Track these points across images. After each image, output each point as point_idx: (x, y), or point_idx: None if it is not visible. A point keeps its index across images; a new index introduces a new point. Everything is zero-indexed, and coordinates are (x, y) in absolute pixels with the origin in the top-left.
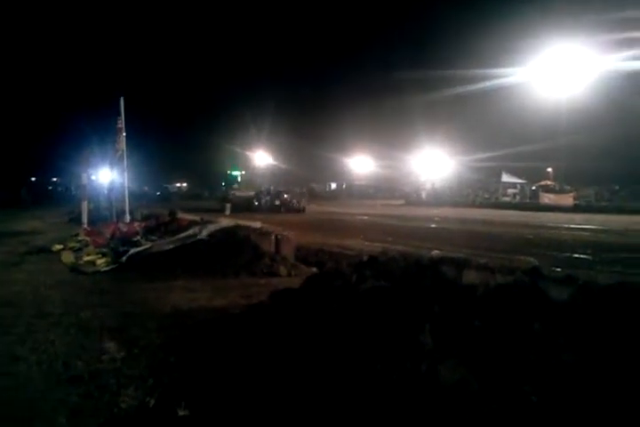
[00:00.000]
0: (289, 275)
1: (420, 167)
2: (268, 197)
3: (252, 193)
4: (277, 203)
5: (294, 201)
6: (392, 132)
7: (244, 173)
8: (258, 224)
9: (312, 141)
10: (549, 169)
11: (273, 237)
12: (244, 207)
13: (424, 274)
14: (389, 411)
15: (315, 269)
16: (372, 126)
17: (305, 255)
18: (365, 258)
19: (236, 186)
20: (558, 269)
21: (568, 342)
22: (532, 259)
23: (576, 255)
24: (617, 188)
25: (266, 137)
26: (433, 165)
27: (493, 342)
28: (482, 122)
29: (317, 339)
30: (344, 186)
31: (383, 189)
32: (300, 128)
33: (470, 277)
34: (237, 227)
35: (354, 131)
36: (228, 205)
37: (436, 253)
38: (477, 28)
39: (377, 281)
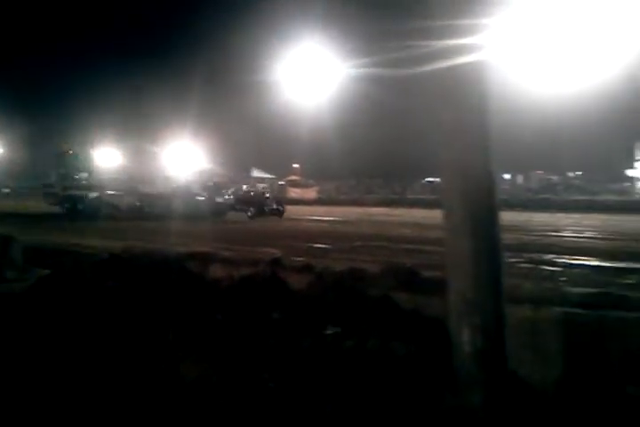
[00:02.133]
0: (17, 279)
1: (172, 162)
2: (202, 195)
3: (161, 189)
4: (221, 200)
5: (269, 197)
6: (143, 126)
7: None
8: None
9: (51, 134)
10: (296, 165)
11: None
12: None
13: (170, 270)
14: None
15: (48, 271)
16: (120, 119)
17: (39, 256)
18: (106, 256)
19: (84, 175)
20: (300, 259)
21: (305, 327)
22: (274, 250)
23: (316, 245)
24: (354, 183)
25: None
26: (186, 159)
27: (235, 334)
28: (236, 119)
29: (45, 347)
30: None
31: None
32: (38, 119)
33: (217, 271)
34: None
35: (99, 123)
36: None
37: (182, 249)
38: (242, 24)
39: (118, 280)
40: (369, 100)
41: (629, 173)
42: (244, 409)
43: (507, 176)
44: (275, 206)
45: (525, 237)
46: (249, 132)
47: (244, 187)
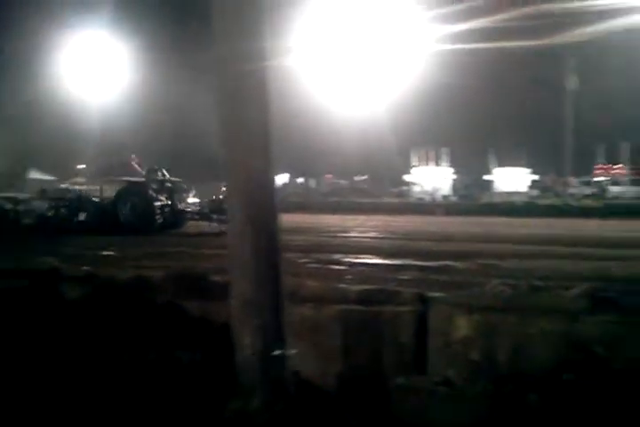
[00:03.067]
0: None
1: None
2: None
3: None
4: (184, 207)
5: None
6: None
7: None
8: None
9: None
10: (82, 166)
11: None
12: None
13: None
14: None
15: None
16: None
17: None
18: None
19: None
20: (84, 268)
21: (79, 342)
22: (52, 259)
23: (105, 252)
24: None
25: None
26: None
27: None
28: (9, 115)
29: None
30: None
31: None
32: None
33: None
34: None
35: None
36: None
37: None
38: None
39: None
40: (163, 97)
41: (406, 177)
42: None
43: (300, 180)
44: None
45: (315, 239)
46: (25, 130)
47: (223, 188)
